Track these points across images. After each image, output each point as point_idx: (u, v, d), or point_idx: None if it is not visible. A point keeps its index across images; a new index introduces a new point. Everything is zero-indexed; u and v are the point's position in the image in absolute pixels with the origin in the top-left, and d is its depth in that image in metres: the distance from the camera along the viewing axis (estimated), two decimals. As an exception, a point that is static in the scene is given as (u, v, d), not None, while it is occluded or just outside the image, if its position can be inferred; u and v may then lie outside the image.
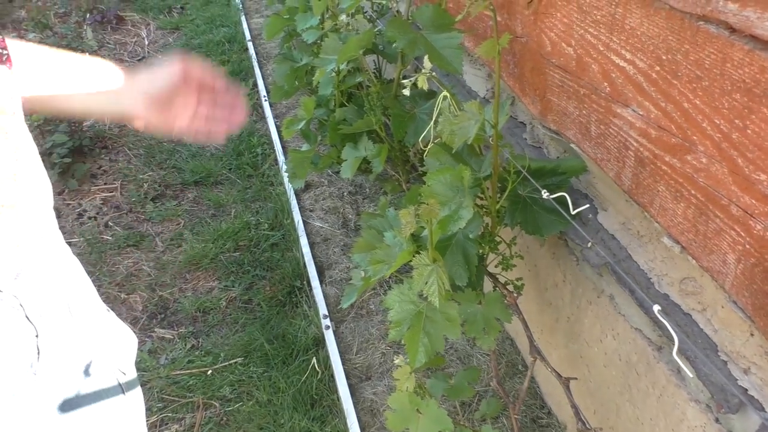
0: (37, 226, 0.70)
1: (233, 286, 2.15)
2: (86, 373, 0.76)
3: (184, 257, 2.29)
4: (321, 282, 2.04)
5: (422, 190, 1.05)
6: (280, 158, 2.69)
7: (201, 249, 2.32)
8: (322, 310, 1.90)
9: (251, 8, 4.52)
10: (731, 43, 0.75)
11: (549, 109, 1.25)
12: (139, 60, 3.83)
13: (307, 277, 2.07)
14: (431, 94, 1.48)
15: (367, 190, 2.50)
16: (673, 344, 0.87)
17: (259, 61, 3.62)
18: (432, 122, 1.17)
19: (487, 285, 1.28)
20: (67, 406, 0.72)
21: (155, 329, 2.05)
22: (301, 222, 2.29)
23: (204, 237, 2.38)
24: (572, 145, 1.19)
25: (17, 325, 0.65)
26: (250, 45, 3.80)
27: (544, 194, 1.02)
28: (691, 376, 0.91)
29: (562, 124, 1.22)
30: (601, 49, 1.02)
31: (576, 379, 1.13)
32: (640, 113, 0.96)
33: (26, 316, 0.66)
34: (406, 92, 1.10)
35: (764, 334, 0.80)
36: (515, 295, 1.23)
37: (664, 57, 0.88)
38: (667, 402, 1.01)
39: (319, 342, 1.85)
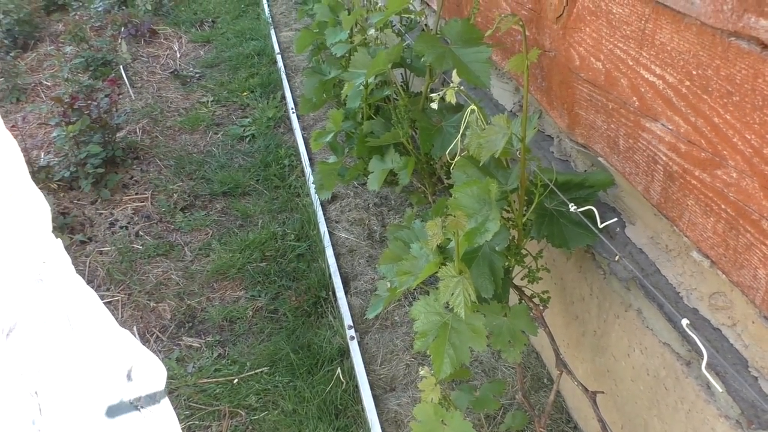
0: (29, 267, 0.62)
1: (259, 296, 2.18)
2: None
3: (212, 267, 2.33)
4: (346, 293, 2.06)
5: (449, 203, 1.06)
6: (307, 170, 2.72)
7: (228, 259, 2.36)
8: (347, 320, 1.91)
9: (280, 22, 4.59)
10: (763, 59, 0.75)
11: (577, 122, 1.26)
12: (171, 72, 3.91)
13: (333, 288, 2.09)
14: (458, 108, 1.49)
15: (393, 202, 2.52)
16: (702, 359, 0.86)
17: (287, 74, 3.68)
18: (459, 135, 1.18)
19: (513, 298, 1.28)
20: None
21: (183, 338, 2.09)
22: (326, 233, 2.31)
23: (231, 247, 2.42)
24: (600, 159, 1.20)
25: (12, 386, 0.60)
26: (278, 58, 3.86)
27: (572, 207, 1.02)
28: (720, 390, 0.90)
29: (589, 138, 1.22)
30: (631, 63, 1.03)
31: (603, 393, 1.12)
32: (670, 128, 0.96)
33: (22, 374, 0.60)
34: (434, 105, 1.12)
35: (796, 351, 0.79)
36: (541, 307, 1.23)
37: (694, 72, 0.88)
38: (695, 417, 1.00)
39: (344, 352, 1.86)
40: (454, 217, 0.89)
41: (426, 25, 2.00)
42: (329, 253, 2.21)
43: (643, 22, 0.97)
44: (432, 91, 1.19)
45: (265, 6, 4.76)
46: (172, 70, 3.94)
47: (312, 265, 2.25)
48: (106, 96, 2.99)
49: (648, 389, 1.15)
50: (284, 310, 2.09)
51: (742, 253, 0.85)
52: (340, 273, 2.14)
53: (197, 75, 3.88)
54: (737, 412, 0.92)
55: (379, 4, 1.83)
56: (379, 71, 1.43)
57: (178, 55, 4.21)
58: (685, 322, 0.82)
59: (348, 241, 2.34)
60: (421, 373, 1.16)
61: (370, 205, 2.50)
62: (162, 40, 4.44)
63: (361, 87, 1.62)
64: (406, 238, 1.23)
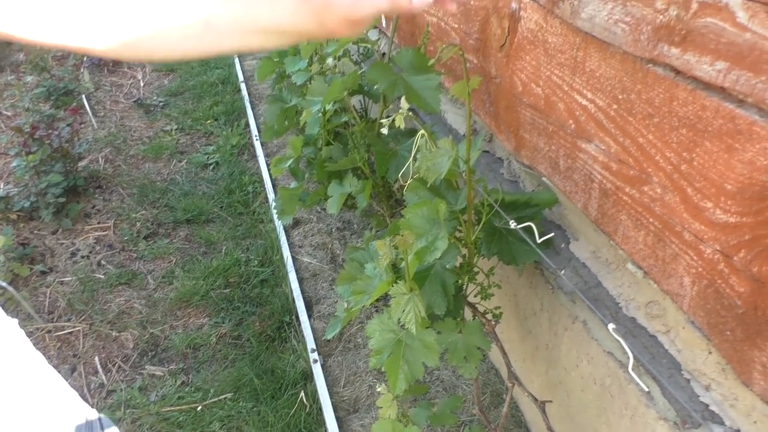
0: None
1: (223, 323, 2.18)
2: None
3: (175, 294, 2.33)
4: (309, 316, 2.08)
5: (400, 223, 1.10)
6: (270, 196, 2.75)
7: (192, 286, 2.36)
8: (310, 344, 1.93)
9: (244, 51, 4.64)
10: (676, 83, 0.82)
11: (522, 145, 1.32)
12: (134, 101, 3.91)
13: (296, 312, 2.11)
14: (413, 133, 1.55)
15: (355, 226, 2.56)
16: (638, 363, 0.91)
17: (251, 102, 3.72)
18: (411, 159, 1.23)
19: (469, 315, 1.32)
20: None
21: (146, 366, 2.07)
22: (290, 258, 2.33)
23: (195, 274, 2.42)
24: (544, 179, 1.26)
25: None
26: (242, 86, 3.90)
27: (512, 224, 1.07)
28: (646, 390, 0.96)
29: (534, 159, 1.28)
30: (566, 89, 1.10)
31: (551, 402, 1.17)
32: (602, 148, 1.02)
33: None
34: (385, 131, 1.17)
35: (720, 352, 0.85)
36: (493, 323, 1.28)
37: (620, 96, 0.95)
38: (638, 422, 1.05)
39: (308, 376, 1.88)
40: (403, 236, 0.94)
41: (383, 53, 2.07)
42: (292, 277, 2.23)
43: (574, 50, 1.04)
44: (388, 117, 1.25)
45: (229, 36, 4.81)
46: (135, 99, 3.95)
47: (275, 290, 2.27)
48: (67, 125, 2.99)
49: (596, 398, 1.20)
50: (248, 336, 2.10)
51: (669, 263, 0.91)
52: (304, 297, 2.16)
53: (161, 104, 3.90)
54: (674, 414, 0.97)
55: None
56: (335, 98, 1.49)
57: (142, 84, 4.22)
58: (611, 326, 0.88)
59: (311, 266, 2.36)
60: (379, 390, 1.19)
61: (333, 230, 2.53)
62: (125, 70, 4.44)
63: (320, 114, 1.67)
64: (362, 258, 1.27)
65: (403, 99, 1.20)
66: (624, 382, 1.08)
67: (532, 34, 1.17)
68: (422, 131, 1.17)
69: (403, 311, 1.01)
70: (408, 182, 1.26)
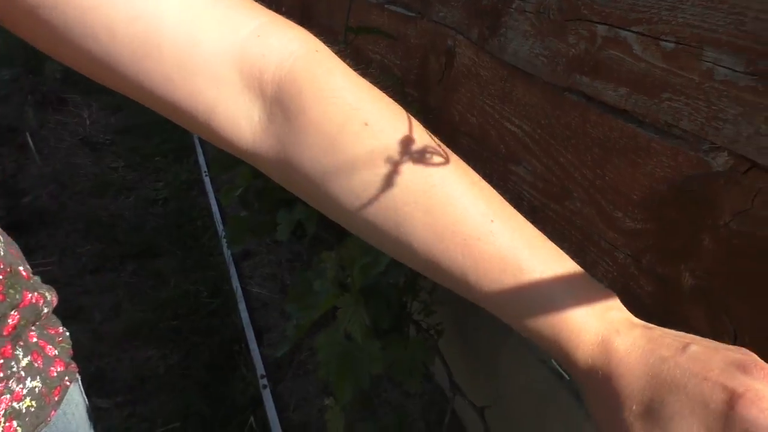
0: None
1: (172, 354, 2.18)
2: None
3: (122, 327, 2.31)
4: (259, 345, 2.10)
5: (348, 240, 1.18)
6: (220, 227, 2.78)
7: (140, 319, 2.35)
8: (260, 370, 1.95)
9: (193, 90, 4.70)
10: (588, 108, 0.93)
11: (460, 170, 1.42)
12: (80, 139, 3.90)
13: (246, 341, 2.13)
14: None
15: (304, 257, 2.61)
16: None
17: (200, 138, 3.75)
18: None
19: (414, 332, 1.39)
20: None
21: (91, 399, 2.04)
22: (239, 288, 2.36)
23: (143, 307, 2.41)
24: (480, 201, 1.36)
25: None
26: (191, 124, 3.94)
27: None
28: (567, 378, 1.04)
29: (471, 183, 1.38)
30: (497, 117, 1.20)
31: (490, 406, 1.24)
32: (529, 169, 1.13)
33: None
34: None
35: (635, 349, 0.94)
36: (436, 338, 1.35)
37: (543, 121, 1.06)
38: (570, 423, 1.13)
39: (258, 402, 1.90)
40: (348, 249, 1.01)
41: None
42: (242, 307, 2.26)
43: (503, 82, 1.15)
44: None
45: (179, 75, 4.86)
46: (81, 136, 3.93)
47: (225, 320, 2.29)
48: (12, 161, 2.96)
49: (533, 405, 1.27)
50: (197, 366, 2.10)
51: (590, 270, 1.01)
52: (254, 326, 2.19)
53: (108, 141, 3.89)
54: (599, 411, 1.05)
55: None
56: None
57: (88, 122, 4.21)
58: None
59: (261, 296, 2.39)
60: (327, 402, 1.24)
61: (283, 261, 2.58)
62: (71, 108, 4.42)
63: (269, 144, 1.74)
64: (310, 277, 1.33)
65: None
66: (556, 386, 1.16)
67: (467, 69, 1.28)
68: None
69: (349, 321, 1.07)
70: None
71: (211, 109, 0.41)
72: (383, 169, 0.40)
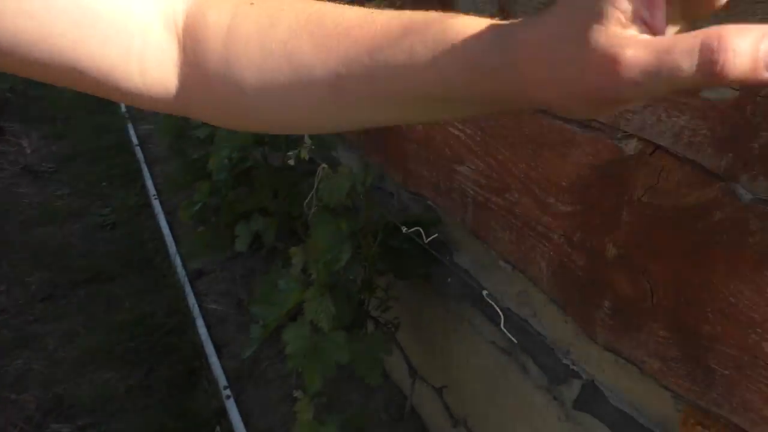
0: None
1: (131, 374, 2.19)
2: None
3: (78, 352, 2.30)
4: (219, 358, 2.15)
5: (309, 241, 1.27)
6: (172, 250, 2.80)
7: (95, 343, 2.35)
8: (222, 382, 2.00)
9: (137, 115, 4.68)
10: (522, 110, 1.07)
11: (409, 175, 1.54)
12: (21, 168, 3.84)
13: (206, 356, 2.17)
14: (312, 174, 1.73)
15: (259, 272, 2.67)
16: (514, 344, 1.11)
17: (147, 163, 3.76)
18: (315, 189, 1.41)
19: (372, 327, 1.49)
20: None
21: (51, 425, 2.04)
22: (196, 305, 2.39)
23: (98, 331, 2.41)
24: (429, 202, 1.47)
25: None
26: (137, 149, 3.95)
27: (404, 229, 1.27)
28: (515, 342, 1.16)
29: (420, 186, 1.50)
30: (441, 123, 1.33)
31: (447, 386, 1.34)
32: (473, 168, 1.25)
33: None
34: (291, 162, 1.34)
35: (574, 319, 1.07)
36: (393, 331, 1.45)
37: (483, 124, 1.19)
38: (520, 395, 1.25)
39: (222, 413, 1.94)
40: (314, 243, 1.10)
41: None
42: (200, 323, 2.30)
43: (445, 91, 1.28)
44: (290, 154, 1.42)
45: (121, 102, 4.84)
46: (22, 165, 3.87)
47: (183, 338, 2.32)
48: (-48, 191, 2.91)
49: (486, 386, 1.39)
50: (158, 384, 2.13)
51: (529, 253, 1.13)
52: (213, 341, 2.23)
53: (51, 169, 3.84)
54: (546, 380, 1.17)
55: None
56: (244, 143, 1.65)
57: (29, 151, 4.14)
58: (485, 292, 1.08)
59: (218, 312, 2.43)
60: (295, 395, 1.31)
61: (237, 277, 2.63)
62: (9, 137, 4.34)
63: (226, 160, 1.81)
64: (274, 279, 1.41)
65: (306, 136, 1.38)
66: (505, 363, 1.28)
67: (411, 81, 1.40)
68: (323, 165, 1.36)
69: (316, 312, 1.15)
70: (312, 210, 1.43)
71: (140, 58, 0.45)
72: (274, 31, 0.43)
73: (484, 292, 1.12)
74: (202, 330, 2.26)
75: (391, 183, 1.74)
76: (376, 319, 1.47)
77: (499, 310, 1.08)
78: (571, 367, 1.10)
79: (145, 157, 3.89)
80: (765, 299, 0.73)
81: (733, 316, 0.78)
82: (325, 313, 1.15)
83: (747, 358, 0.77)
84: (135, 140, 4.11)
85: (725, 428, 0.83)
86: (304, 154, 1.32)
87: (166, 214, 3.20)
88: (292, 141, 1.78)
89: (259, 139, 1.94)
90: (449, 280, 1.41)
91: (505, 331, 1.16)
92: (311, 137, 1.42)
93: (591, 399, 1.07)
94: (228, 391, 1.96)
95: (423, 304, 1.59)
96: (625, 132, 0.88)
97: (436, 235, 1.36)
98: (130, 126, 4.38)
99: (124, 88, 0.46)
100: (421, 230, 1.26)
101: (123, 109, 4.70)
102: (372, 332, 1.36)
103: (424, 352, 1.65)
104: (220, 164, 1.84)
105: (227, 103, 0.47)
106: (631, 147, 0.88)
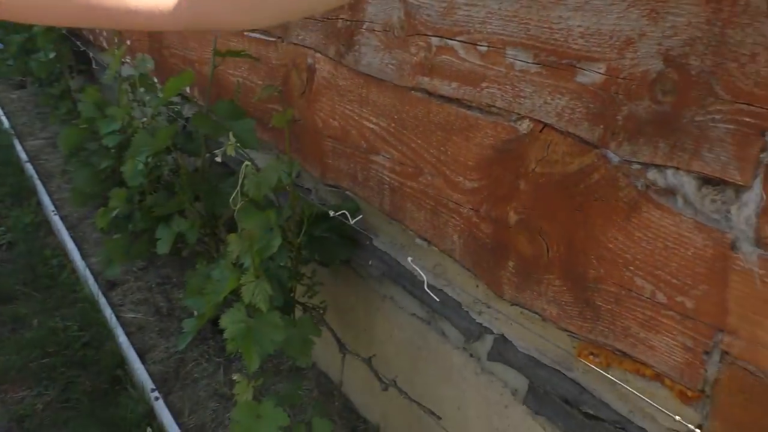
0: None
1: (48, 390, 2.14)
2: None
3: (-13, 373, 2.22)
4: (143, 362, 2.15)
5: (241, 230, 1.35)
6: (80, 264, 2.75)
7: (4, 363, 2.27)
8: (149, 385, 2.01)
9: (24, 132, 4.47)
10: (430, 101, 1.22)
11: (327, 169, 1.66)
12: None
13: (128, 363, 2.16)
14: (231, 175, 1.81)
15: (175, 279, 2.67)
16: (433, 311, 1.26)
17: (41, 179, 3.62)
18: (239, 186, 1.49)
19: (300, 312, 1.59)
20: None
21: (-38, 449, 1.96)
22: (113, 315, 2.37)
23: (6, 351, 2.33)
24: (348, 192, 1.60)
25: None
26: (28, 166, 3.79)
27: (331, 213, 1.39)
28: (437, 300, 1.31)
29: (338, 179, 1.62)
30: (357, 119, 1.46)
31: (375, 355, 1.47)
32: (388, 157, 1.39)
33: None
34: (219, 159, 1.42)
35: (483, 281, 1.23)
36: (322, 313, 1.56)
37: (396, 117, 1.33)
38: (441, 359, 1.39)
39: (151, 415, 1.96)
40: (249, 231, 1.19)
41: (186, 118, 2.30)
42: (119, 332, 2.28)
43: (360, 88, 1.41)
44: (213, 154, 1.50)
45: (4, 118, 4.61)
46: None
47: (101, 348, 2.29)
48: None
49: (409, 357, 1.53)
50: (78, 397, 2.10)
51: (442, 228, 1.29)
52: (134, 348, 2.22)
53: (-70, 191, 3.60)
54: (462, 340, 1.33)
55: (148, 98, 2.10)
56: (162, 146, 1.70)
57: None
58: (409, 258, 1.22)
59: (136, 320, 2.42)
60: (235, 377, 1.39)
61: (153, 285, 2.62)
62: None
63: (142, 165, 1.85)
64: (205, 272, 1.48)
65: (230, 134, 1.46)
66: (425, 332, 1.43)
67: (327, 81, 1.53)
68: (246, 162, 1.45)
69: (253, 294, 1.24)
70: (238, 206, 1.51)
71: None
72: None
73: (409, 258, 1.27)
74: (122, 339, 2.25)
75: (308, 179, 1.85)
76: (304, 304, 1.57)
77: (422, 273, 1.22)
78: (484, 324, 1.26)
79: (37, 172, 3.74)
80: (633, 241, 0.92)
81: (611, 259, 0.96)
82: (262, 295, 1.24)
83: (624, 292, 0.96)
84: (24, 156, 3.94)
85: (611, 353, 1.01)
86: (231, 151, 1.40)
87: (69, 228, 3.12)
88: (209, 145, 1.85)
89: (173, 145, 1.99)
90: (370, 262, 1.54)
91: (429, 292, 1.31)
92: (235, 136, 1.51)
93: (502, 349, 1.24)
94: (156, 393, 1.98)
95: (347, 288, 1.71)
96: (519, 114, 1.05)
97: (360, 216, 1.49)
98: (16, 141, 4.18)
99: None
100: (347, 213, 1.38)
101: (7, 125, 4.48)
102: (301, 317, 1.46)
103: (351, 333, 1.77)
104: (135, 170, 1.87)
105: None
106: (524, 126, 1.05)
